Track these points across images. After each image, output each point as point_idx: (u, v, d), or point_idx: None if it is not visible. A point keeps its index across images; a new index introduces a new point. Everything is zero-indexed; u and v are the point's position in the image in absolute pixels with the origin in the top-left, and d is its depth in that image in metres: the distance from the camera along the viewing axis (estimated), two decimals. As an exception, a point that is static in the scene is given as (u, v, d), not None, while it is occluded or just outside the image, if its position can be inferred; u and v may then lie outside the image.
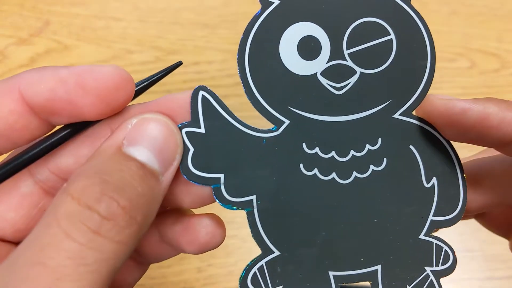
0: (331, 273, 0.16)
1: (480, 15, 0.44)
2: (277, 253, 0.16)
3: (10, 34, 0.40)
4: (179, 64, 0.19)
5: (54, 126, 0.16)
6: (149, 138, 0.15)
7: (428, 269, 0.16)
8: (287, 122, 0.16)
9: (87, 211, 0.12)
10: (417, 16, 0.17)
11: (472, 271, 0.32)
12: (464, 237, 0.33)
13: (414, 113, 0.16)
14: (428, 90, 0.16)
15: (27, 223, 0.16)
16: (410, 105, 0.16)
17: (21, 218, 0.16)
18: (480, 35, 0.42)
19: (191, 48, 0.40)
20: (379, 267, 0.16)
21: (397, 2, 0.16)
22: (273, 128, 0.16)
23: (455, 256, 0.17)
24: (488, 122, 0.15)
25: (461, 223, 0.27)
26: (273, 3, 0.16)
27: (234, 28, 0.41)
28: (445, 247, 0.16)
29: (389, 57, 0.16)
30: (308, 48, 0.16)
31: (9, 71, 0.38)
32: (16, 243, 0.17)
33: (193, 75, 0.39)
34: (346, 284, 0.16)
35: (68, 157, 0.16)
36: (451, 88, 0.39)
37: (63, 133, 0.15)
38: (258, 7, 0.43)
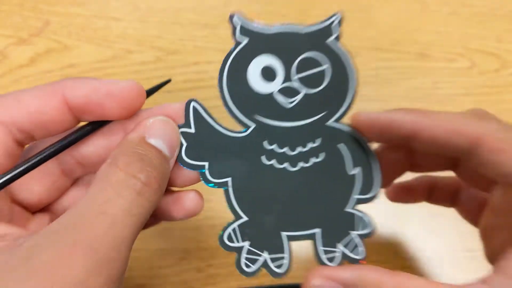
0: (283, 233, 0.22)
1: (480, 15, 0.44)
2: (245, 218, 0.22)
3: (10, 34, 0.40)
4: (168, 81, 0.25)
5: (79, 122, 0.21)
6: (163, 133, 0.20)
7: (352, 233, 0.22)
8: (253, 126, 0.22)
9: (133, 179, 0.18)
10: (343, 53, 0.22)
11: (472, 271, 0.32)
12: (464, 237, 0.33)
13: (344, 121, 0.23)
14: (352, 104, 0.23)
15: (46, 196, 0.22)
16: (339, 115, 0.23)
17: (44, 192, 0.21)
18: (480, 35, 0.42)
19: (191, 48, 0.40)
20: (318, 230, 0.22)
21: (330, 43, 0.22)
22: (243, 130, 0.22)
23: (373, 223, 0.22)
24: (395, 128, 0.21)
25: (461, 223, 0.27)
26: (243, 42, 0.22)
27: (234, 28, 0.42)
28: (364, 217, 0.22)
29: (324, 81, 0.22)
30: (268, 73, 0.22)
31: (9, 71, 0.38)
32: (33, 212, 0.22)
33: (193, 75, 0.39)
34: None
35: (89, 146, 0.21)
36: (451, 88, 0.39)
37: (87, 128, 0.21)
38: (258, 7, 0.43)
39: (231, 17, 0.23)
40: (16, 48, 0.40)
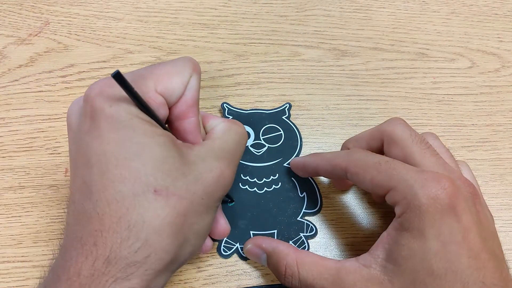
0: (251, 232, 0.32)
1: (480, 15, 0.44)
2: None
3: (9, 33, 0.40)
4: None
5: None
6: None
7: (301, 234, 0.32)
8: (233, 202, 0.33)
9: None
10: (292, 125, 0.36)
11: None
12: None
13: None
14: (299, 155, 0.35)
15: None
16: (291, 160, 0.34)
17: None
18: (480, 35, 0.42)
19: (191, 48, 0.40)
20: (275, 231, 0.32)
21: (284, 119, 0.36)
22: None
23: (316, 228, 0.32)
24: (305, 164, 0.32)
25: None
26: (229, 118, 0.34)
27: (234, 28, 0.41)
28: (311, 224, 0.32)
29: (280, 140, 0.35)
30: None
31: (9, 71, 0.38)
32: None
33: (193, 75, 0.39)
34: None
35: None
36: (451, 88, 0.39)
37: None
38: (256, 7, 0.43)
39: (222, 104, 0.36)
40: (15, 48, 0.40)
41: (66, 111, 0.37)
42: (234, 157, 0.25)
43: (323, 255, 0.31)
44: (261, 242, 0.29)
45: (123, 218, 0.20)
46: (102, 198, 0.20)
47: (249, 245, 0.30)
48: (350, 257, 0.32)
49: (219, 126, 0.26)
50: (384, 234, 0.24)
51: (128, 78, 0.21)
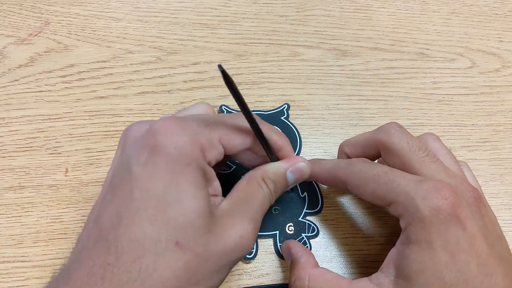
0: None
1: (480, 15, 0.44)
2: None
3: (9, 33, 0.40)
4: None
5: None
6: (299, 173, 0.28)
7: (303, 234, 0.32)
8: (234, 166, 0.34)
9: (266, 187, 0.26)
10: (291, 125, 0.36)
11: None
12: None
13: None
14: (299, 155, 0.31)
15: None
16: None
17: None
18: (480, 35, 0.42)
19: (191, 48, 0.40)
20: (277, 232, 0.32)
21: (283, 119, 0.36)
22: (229, 169, 0.34)
23: (318, 229, 0.32)
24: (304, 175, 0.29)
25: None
26: None
27: (234, 28, 0.41)
28: (312, 225, 0.32)
29: None
30: None
31: (8, 71, 0.38)
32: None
33: (193, 75, 0.39)
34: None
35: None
36: (451, 88, 0.39)
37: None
38: (256, 7, 0.43)
39: (220, 107, 0.36)
40: (15, 48, 0.40)
41: (66, 111, 0.37)
42: (258, 214, 0.25)
43: (323, 255, 0.32)
44: (292, 246, 0.29)
45: (138, 260, 0.20)
46: (127, 233, 0.20)
47: (283, 246, 0.31)
48: (350, 257, 0.32)
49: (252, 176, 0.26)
50: (394, 250, 0.24)
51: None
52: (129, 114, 0.37)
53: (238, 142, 0.25)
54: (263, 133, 0.25)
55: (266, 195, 0.25)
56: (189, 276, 0.21)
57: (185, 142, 0.22)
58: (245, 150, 0.26)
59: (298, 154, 0.35)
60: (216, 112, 0.37)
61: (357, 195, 0.26)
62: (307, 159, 0.32)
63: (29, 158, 0.34)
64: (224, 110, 0.36)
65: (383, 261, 0.24)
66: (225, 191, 0.25)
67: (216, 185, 0.24)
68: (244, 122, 0.24)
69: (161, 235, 0.20)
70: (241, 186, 0.26)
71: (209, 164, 0.23)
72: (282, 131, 0.35)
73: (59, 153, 0.35)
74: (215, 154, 0.24)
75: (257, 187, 0.25)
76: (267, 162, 0.27)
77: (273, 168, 0.26)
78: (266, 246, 0.32)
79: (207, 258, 0.21)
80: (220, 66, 0.20)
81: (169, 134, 0.22)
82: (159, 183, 0.21)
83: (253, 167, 0.27)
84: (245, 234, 0.23)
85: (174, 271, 0.20)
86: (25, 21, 0.41)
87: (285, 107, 0.37)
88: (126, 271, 0.20)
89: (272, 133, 0.26)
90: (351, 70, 0.40)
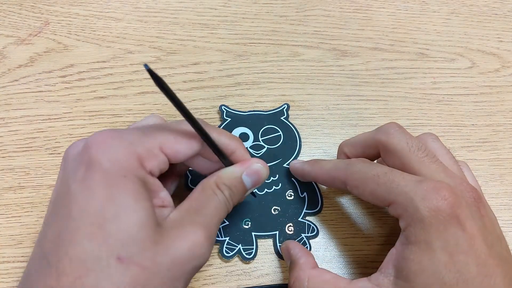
0: (253, 233, 0.32)
1: (480, 15, 0.44)
2: (226, 222, 0.32)
3: (9, 33, 0.40)
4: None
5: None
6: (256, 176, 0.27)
7: (303, 235, 0.32)
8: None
9: (222, 194, 0.25)
10: (291, 125, 0.36)
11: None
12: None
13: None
14: (298, 156, 0.35)
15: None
16: (290, 161, 0.34)
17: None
18: (480, 35, 0.42)
19: (191, 48, 0.40)
20: (277, 232, 0.32)
21: (282, 119, 0.36)
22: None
23: (318, 229, 0.32)
24: (304, 172, 0.31)
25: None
26: (228, 120, 0.36)
27: (234, 28, 0.41)
28: (312, 225, 0.32)
29: (280, 141, 0.35)
30: (243, 137, 0.35)
31: (8, 71, 0.38)
32: None
33: (193, 75, 0.39)
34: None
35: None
36: (451, 88, 0.39)
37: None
38: (256, 7, 0.44)
39: (220, 107, 0.36)
40: (15, 48, 0.40)
41: (66, 111, 0.37)
42: (212, 222, 0.24)
43: (323, 255, 0.32)
44: (291, 247, 0.29)
45: (79, 279, 0.19)
46: (67, 253, 0.20)
47: (283, 246, 0.31)
48: (349, 257, 0.32)
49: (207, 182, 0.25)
50: (393, 250, 0.24)
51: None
52: (129, 114, 0.37)
53: (183, 147, 0.24)
54: (210, 137, 0.24)
55: (221, 201, 0.25)
56: None
57: (120, 154, 0.22)
58: (195, 156, 0.25)
59: (298, 154, 0.35)
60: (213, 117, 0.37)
61: (357, 195, 0.26)
62: (307, 159, 0.32)
63: (29, 158, 0.35)
64: (224, 110, 0.36)
65: (382, 262, 0.24)
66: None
67: (164, 195, 0.24)
68: (189, 127, 0.24)
69: (102, 252, 0.20)
70: (195, 194, 0.25)
71: (151, 174, 0.23)
72: (282, 131, 0.35)
73: (59, 153, 0.35)
74: (156, 163, 0.23)
75: (211, 195, 0.25)
76: (222, 167, 0.26)
77: (227, 173, 0.26)
78: (266, 246, 0.32)
79: (156, 271, 0.21)
80: (146, 66, 0.19)
81: (103, 147, 0.22)
82: (96, 199, 0.21)
83: (210, 174, 0.26)
84: (197, 242, 0.22)
85: (118, 287, 0.20)
86: (25, 21, 0.41)
87: (285, 107, 0.37)
88: None
89: (222, 137, 0.26)
90: (351, 70, 0.40)
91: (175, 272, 0.22)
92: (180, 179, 0.30)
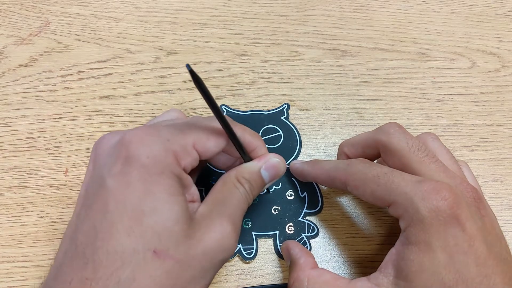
0: (253, 233, 0.32)
1: (480, 15, 0.44)
2: None
3: (9, 33, 0.40)
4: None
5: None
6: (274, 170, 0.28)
7: (303, 234, 0.32)
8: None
9: (242, 187, 0.26)
10: (291, 125, 0.36)
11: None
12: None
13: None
14: (298, 155, 0.35)
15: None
16: (290, 161, 0.34)
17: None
18: (480, 35, 0.42)
19: (191, 48, 0.40)
20: (277, 232, 0.32)
21: (283, 119, 0.36)
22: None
23: (318, 229, 0.32)
24: (304, 173, 0.32)
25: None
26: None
27: (234, 28, 0.41)
28: (312, 225, 0.32)
29: (280, 141, 0.35)
30: None
31: (9, 71, 0.38)
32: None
33: (193, 75, 0.39)
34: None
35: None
36: (451, 88, 0.39)
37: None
38: (256, 7, 0.43)
39: (220, 106, 0.35)
40: (15, 48, 0.40)
41: (66, 111, 0.37)
42: (236, 214, 0.25)
43: (323, 255, 0.32)
44: (291, 247, 0.29)
45: (116, 272, 0.20)
46: (104, 246, 0.20)
47: (283, 246, 0.31)
48: (349, 257, 0.32)
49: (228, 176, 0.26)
50: (393, 250, 0.24)
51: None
52: (129, 114, 0.37)
53: (212, 145, 0.25)
54: (236, 135, 0.25)
55: (242, 195, 0.25)
56: (172, 283, 0.21)
57: (158, 151, 0.22)
58: (219, 152, 0.26)
59: (298, 154, 0.35)
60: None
61: (357, 195, 0.26)
62: (307, 159, 0.32)
63: (29, 158, 0.35)
64: (224, 110, 0.36)
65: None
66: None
67: (193, 191, 0.24)
68: (216, 124, 0.24)
69: (139, 245, 0.20)
70: (217, 188, 0.26)
71: (184, 170, 0.23)
72: (282, 131, 0.35)
73: (59, 153, 0.35)
74: (190, 161, 0.24)
75: (233, 188, 0.25)
76: (241, 163, 0.27)
77: (247, 167, 0.27)
78: (266, 246, 0.32)
79: (188, 264, 0.21)
80: (188, 66, 0.20)
81: (141, 143, 0.22)
82: (133, 194, 0.21)
83: (228, 169, 0.27)
84: (225, 234, 0.23)
85: (154, 280, 0.20)
86: (25, 21, 0.41)
87: (285, 107, 0.37)
88: (104, 286, 0.19)
89: (246, 134, 0.26)
90: (351, 70, 0.40)
91: (206, 264, 0.22)
92: (199, 174, 0.31)
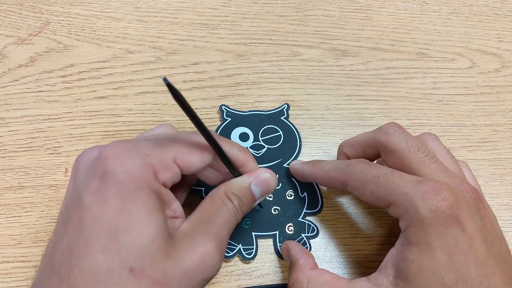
0: (253, 233, 0.32)
1: (480, 15, 0.44)
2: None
3: (9, 33, 0.40)
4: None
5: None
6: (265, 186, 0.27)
7: (303, 235, 0.32)
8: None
9: (231, 204, 0.26)
10: (291, 125, 0.36)
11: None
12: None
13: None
14: (298, 155, 0.35)
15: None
16: (290, 161, 0.34)
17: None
18: (480, 35, 0.42)
19: (191, 48, 0.40)
20: (277, 232, 0.32)
21: (283, 119, 0.36)
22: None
23: (318, 229, 0.32)
24: (303, 173, 0.32)
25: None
26: (228, 119, 0.36)
27: (234, 28, 0.41)
28: (312, 225, 0.32)
29: (280, 141, 0.35)
30: (243, 137, 0.35)
31: (9, 71, 0.38)
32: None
33: (193, 75, 0.39)
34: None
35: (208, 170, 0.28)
36: (451, 88, 0.39)
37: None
38: (256, 7, 0.43)
39: (220, 107, 0.36)
40: (15, 48, 0.40)
41: (66, 111, 0.37)
42: (222, 232, 0.24)
43: (323, 255, 0.32)
44: (291, 248, 0.29)
45: None
46: (79, 265, 0.20)
47: (283, 246, 0.31)
48: (349, 257, 0.32)
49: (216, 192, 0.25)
50: (393, 250, 0.24)
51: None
52: (129, 114, 0.37)
53: (196, 160, 0.24)
54: (222, 150, 0.24)
55: (231, 211, 0.25)
56: None
57: (135, 166, 0.22)
58: (205, 167, 0.25)
59: (298, 154, 0.35)
60: (215, 120, 0.37)
61: (357, 196, 0.26)
62: (307, 160, 0.32)
63: (29, 158, 0.35)
64: (224, 110, 0.36)
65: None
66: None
67: (176, 206, 0.24)
68: (202, 139, 0.24)
69: (114, 264, 0.20)
70: (205, 205, 0.25)
71: (164, 185, 0.23)
72: (282, 131, 0.35)
73: (59, 153, 0.35)
74: (170, 175, 0.23)
75: (221, 205, 0.25)
76: (231, 178, 0.26)
77: (236, 182, 0.26)
78: (266, 246, 0.32)
79: (167, 284, 0.21)
80: (165, 79, 0.19)
81: (117, 158, 0.22)
82: (109, 211, 0.21)
83: (217, 185, 0.26)
84: (207, 254, 0.22)
85: None
86: (25, 21, 0.41)
87: (285, 107, 0.37)
88: None
89: (234, 149, 0.26)
90: (351, 70, 0.40)
91: (186, 284, 0.21)
92: (190, 190, 0.30)
